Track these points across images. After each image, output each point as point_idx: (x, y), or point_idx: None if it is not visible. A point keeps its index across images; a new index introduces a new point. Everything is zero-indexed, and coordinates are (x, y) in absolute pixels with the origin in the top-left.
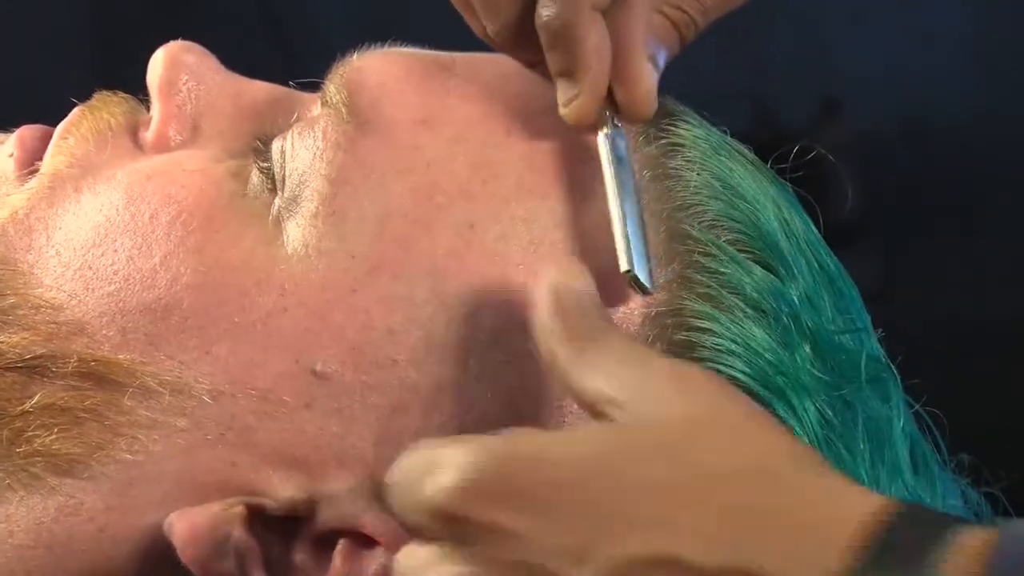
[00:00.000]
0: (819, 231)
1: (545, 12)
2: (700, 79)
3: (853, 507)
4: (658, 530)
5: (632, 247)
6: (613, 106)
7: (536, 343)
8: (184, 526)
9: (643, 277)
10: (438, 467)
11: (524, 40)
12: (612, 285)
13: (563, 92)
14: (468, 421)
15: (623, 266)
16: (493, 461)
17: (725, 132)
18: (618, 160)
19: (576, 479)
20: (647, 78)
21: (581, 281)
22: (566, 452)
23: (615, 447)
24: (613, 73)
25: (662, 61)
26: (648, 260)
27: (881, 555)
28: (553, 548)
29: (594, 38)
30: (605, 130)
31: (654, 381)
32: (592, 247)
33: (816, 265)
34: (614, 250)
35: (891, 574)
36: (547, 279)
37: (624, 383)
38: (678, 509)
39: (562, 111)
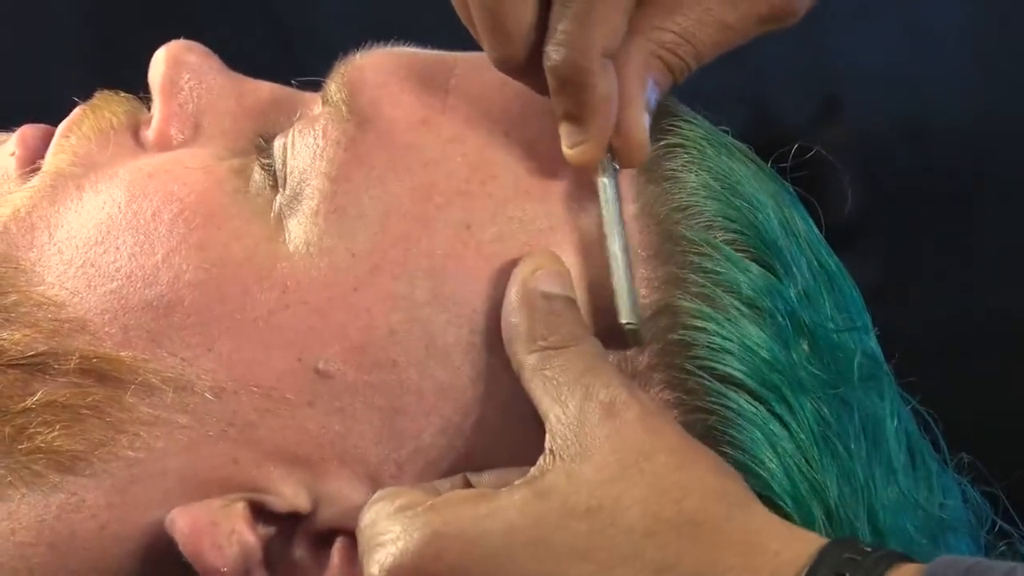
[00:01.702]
0: (819, 231)
1: (555, 56)
2: (700, 79)
3: (782, 552)
4: None
5: (635, 302)
6: (610, 148)
7: (504, 341)
8: (186, 521)
9: (644, 333)
10: (378, 544)
11: (530, 71)
12: (602, 296)
13: (568, 136)
14: (466, 425)
15: (624, 318)
16: (424, 541)
17: (726, 132)
18: (616, 203)
19: (507, 555)
20: (643, 130)
21: (555, 276)
22: (496, 525)
23: (542, 515)
24: None
25: (654, 105)
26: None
27: None
28: None
29: (604, 87)
30: (604, 177)
31: (589, 422)
32: (586, 252)
33: (816, 264)
34: (607, 261)
35: None
36: (519, 271)
37: (568, 416)
38: (610, 571)
39: (566, 152)
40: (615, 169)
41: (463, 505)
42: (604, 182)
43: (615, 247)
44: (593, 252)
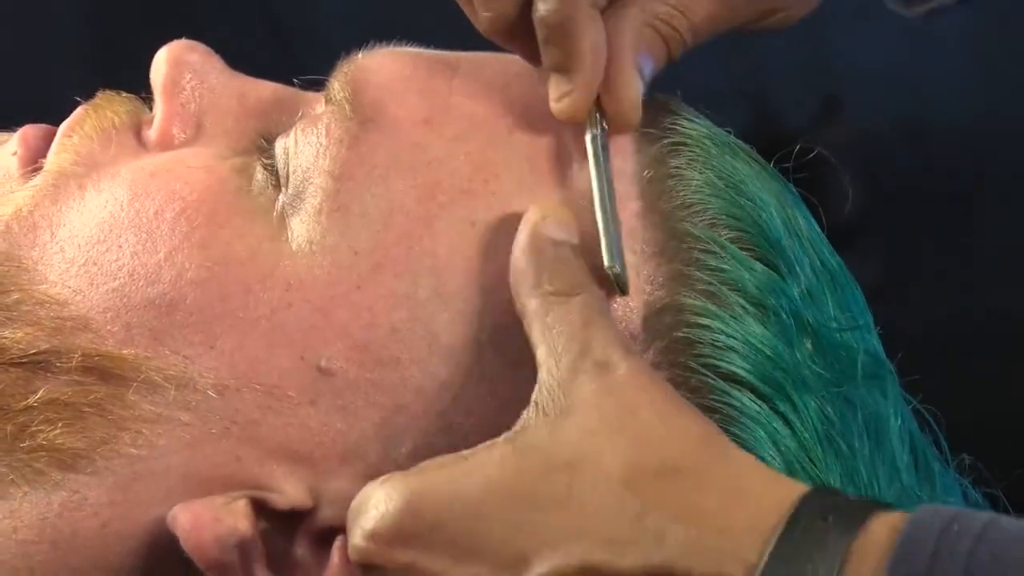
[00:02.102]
0: (820, 230)
1: (543, 6)
2: (701, 78)
3: (764, 496)
4: (574, 543)
5: (616, 246)
6: (601, 109)
7: (511, 284)
8: (187, 517)
9: (625, 276)
10: (361, 512)
11: (520, 32)
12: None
13: (556, 87)
14: (468, 424)
15: (606, 262)
16: (403, 502)
17: (728, 132)
18: (604, 158)
19: (486, 509)
20: (634, 87)
21: (563, 224)
22: (474, 481)
23: (522, 468)
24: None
25: (648, 73)
26: (624, 262)
27: (793, 543)
28: None
29: (591, 36)
30: (593, 131)
31: (579, 380)
32: (591, 247)
33: (818, 262)
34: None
35: (803, 563)
36: (529, 216)
37: (560, 371)
38: (590, 519)
39: (553, 106)
40: (603, 128)
41: (440, 467)
42: (593, 135)
43: (600, 198)
44: (598, 248)
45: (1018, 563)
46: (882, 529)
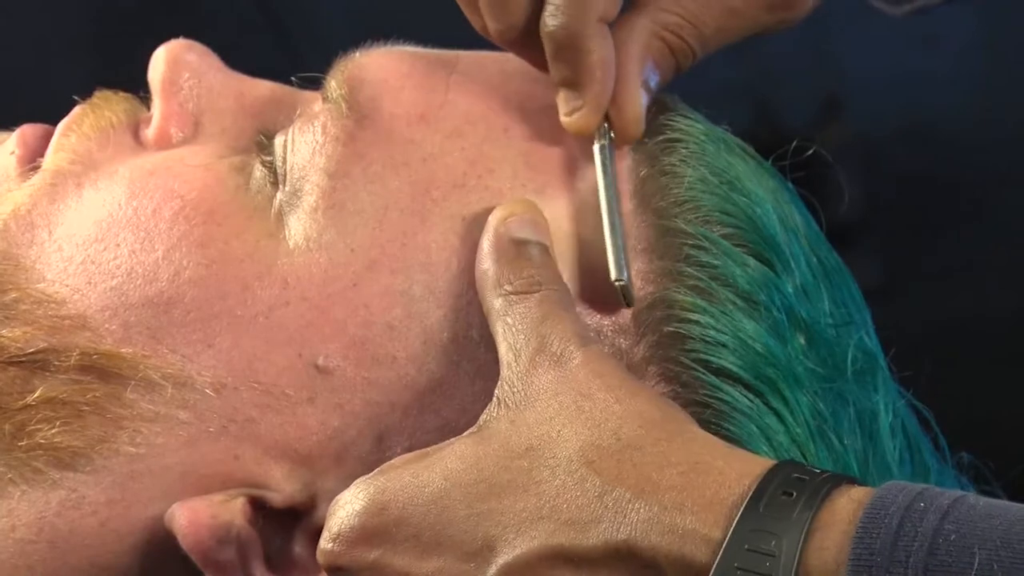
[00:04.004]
0: (820, 229)
1: (552, 21)
2: (701, 78)
3: (726, 471)
4: (537, 526)
5: (624, 259)
6: (607, 118)
7: (476, 286)
8: (186, 515)
9: (631, 289)
10: (330, 515)
11: (528, 42)
12: (600, 286)
13: (565, 102)
14: (464, 422)
15: (613, 274)
16: (366, 501)
17: (726, 129)
18: (611, 168)
19: (447, 501)
20: (637, 103)
21: (528, 223)
22: (435, 474)
23: (482, 457)
24: None
25: (654, 85)
26: (631, 274)
27: (757, 518)
28: (440, 574)
29: (600, 51)
30: (602, 142)
31: (537, 372)
32: (585, 245)
33: (815, 259)
34: (605, 252)
35: (767, 538)
36: (492, 217)
37: (519, 365)
38: (551, 501)
39: (564, 120)
40: (611, 138)
41: (404, 464)
42: (601, 145)
43: (608, 209)
44: (592, 245)
45: (984, 540)
46: (847, 504)
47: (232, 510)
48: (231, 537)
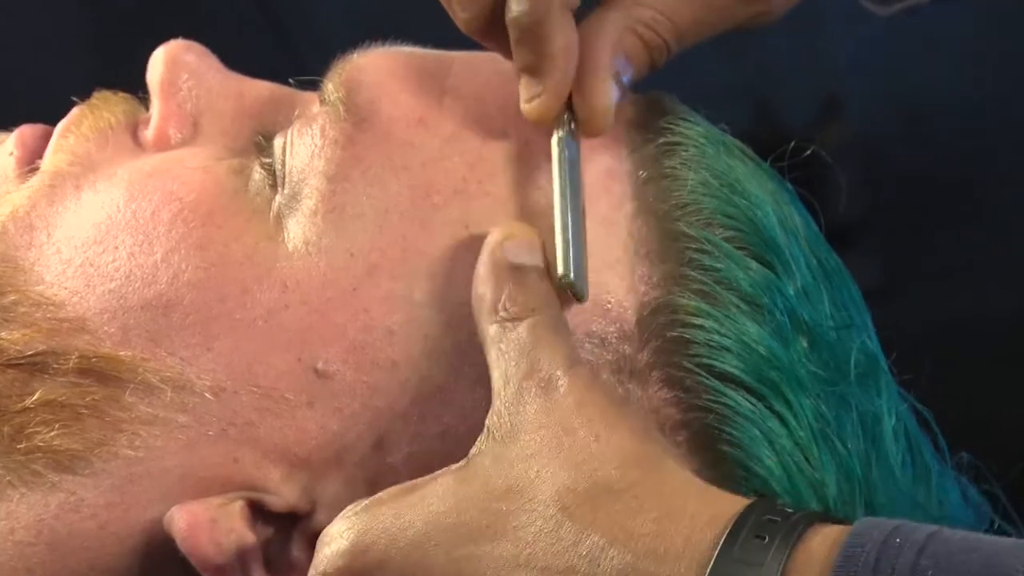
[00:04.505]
0: (819, 230)
1: (516, 8)
2: (700, 78)
3: (699, 515)
4: (518, 570)
5: (572, 255)
6: (571, 111)
7: (473, 311)
8: (184, 519)
9: (579, 285)
10: (319, 547)
11: (497, 32)
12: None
13: (526, 89)
14: (464, 428)
15: (560, 271)
16: (350, 540)
17: (725, 131)
18: (569, 164)
19: (428, 544)
20: (606, 95)
21: (525, 246)
22: (417, 515)
23: (463, 498)
24: (575, 83)
25: (627, 79)
26: (585, 269)
27: (730, 564)
28: None
29: (562, 38)
30: (560, 133)
31: (524, 401)
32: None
33: (815, 261)
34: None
35: None
36: (489, 241)
37: (508, 394)
38: (527, 547)
39: (523, 107)
40: (572, 129)
41: (391, 499)
42: (559, 137)
43: (560, 203)
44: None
45: (961, 575)
46: (822, 544)
47: (231, 513)
48: (230, 541)
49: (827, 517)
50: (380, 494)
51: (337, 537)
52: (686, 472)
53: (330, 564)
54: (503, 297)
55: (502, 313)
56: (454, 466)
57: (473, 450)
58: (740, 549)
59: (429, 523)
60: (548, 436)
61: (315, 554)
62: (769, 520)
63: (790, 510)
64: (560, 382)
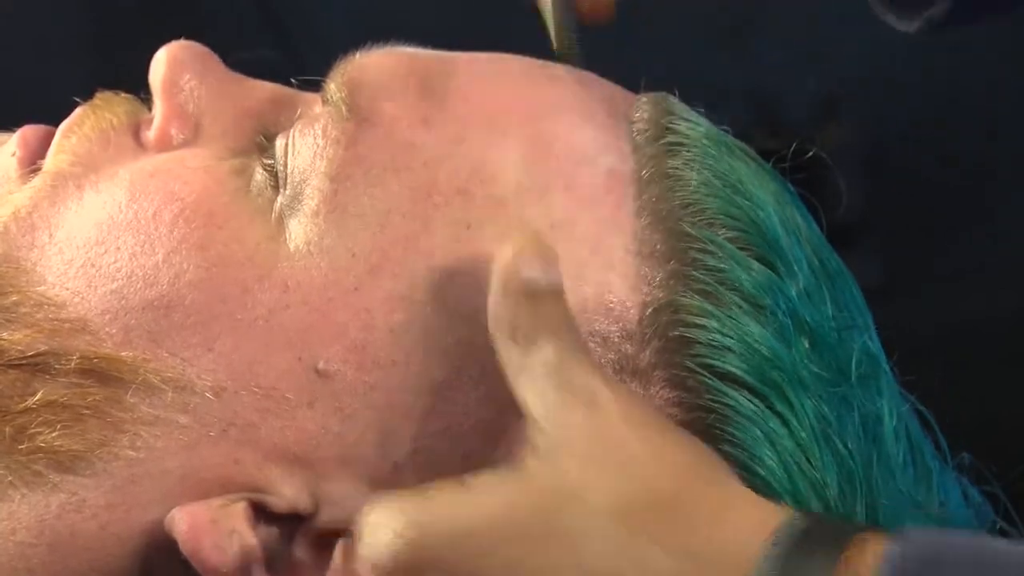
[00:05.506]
0: (820, 230)
1: None
2: (700, 78)
3: (747, 529)
4: (570, 572)
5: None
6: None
7: (490, 331)
8: (186, 520)
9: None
10: (362, 537)
11: None
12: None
13: None
14: (467, 426)
15: (555, 47)
16: (405, 535)
17: (726, 131)
18: None
19: (486, 546)
20: None
21: (538, 260)
22: (476, 517)
23: (520, 504)
24: None
25: None
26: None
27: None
28: None
29: None
30: None
31: (567, 414)
32: (589, 253)
33: (817, 262)
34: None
35: None
36: (501, 256)
37: (547, 408)
38: (580, 553)
39: None
40: None
41: (446, 496)
42: None
43: None
44: (594, 251)
45: None
46: (865, 557)
47: (232, 514)
48: (231, 542)
49: (865, 527)
50: (427, 492)
51: (386, 527)
52: (736, 482)
53: (381, 557)
54: (520, 317)
55: (521, 332)
56: (504, 469)
57: (519, 460)
58: (786, 560)
59: (487, 525)
60: (600, 447)
61: (360, 538)
62: (816, 530)
63: (833, 521)
64: (602, 396)
